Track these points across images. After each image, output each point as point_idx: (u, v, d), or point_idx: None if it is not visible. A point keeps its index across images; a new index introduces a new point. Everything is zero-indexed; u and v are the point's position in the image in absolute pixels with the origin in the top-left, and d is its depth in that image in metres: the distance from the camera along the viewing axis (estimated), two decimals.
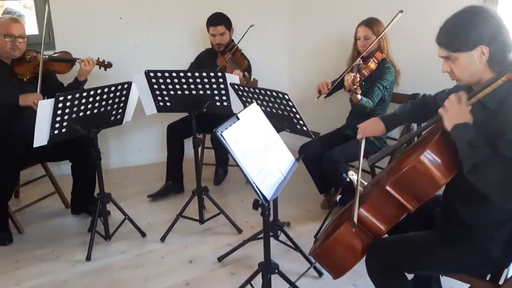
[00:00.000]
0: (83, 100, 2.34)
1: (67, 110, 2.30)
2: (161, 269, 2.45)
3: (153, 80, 2.58)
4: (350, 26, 2.96)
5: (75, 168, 2.92)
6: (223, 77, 2.50)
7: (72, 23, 3.48)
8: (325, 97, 2.87)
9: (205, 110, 2.62)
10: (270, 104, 2.33)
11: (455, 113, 1.46)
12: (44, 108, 2.23)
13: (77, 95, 2.30)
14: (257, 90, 2.35)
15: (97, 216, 2.62)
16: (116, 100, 2.53)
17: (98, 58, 2.92)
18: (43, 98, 2.59)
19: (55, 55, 2.94)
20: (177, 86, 2.58)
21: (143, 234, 2.76)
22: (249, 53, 3.34)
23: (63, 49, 3.02)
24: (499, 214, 1.51)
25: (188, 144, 3.02)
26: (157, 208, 3.15)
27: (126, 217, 2.75)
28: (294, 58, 4.07)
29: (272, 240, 2.16)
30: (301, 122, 2.30)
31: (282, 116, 2.33)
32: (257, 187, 1.61)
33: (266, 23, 3.27)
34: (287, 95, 2.19)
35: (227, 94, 2.58)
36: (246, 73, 2.87)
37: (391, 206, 1.60)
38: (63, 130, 2.36)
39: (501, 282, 1.58)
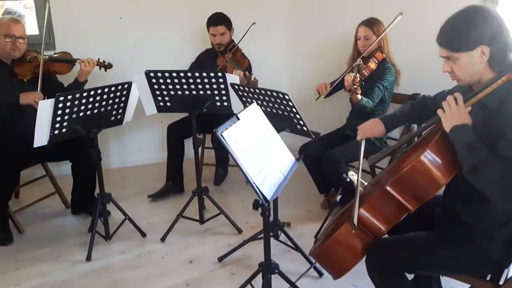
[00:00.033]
0: (83, 100, 2.34)
1: (67, 110, 2.30)
2: (161, 269, 2.45)
3: (153, 80, 2.58)
4: (350, 26, 2.96)
5: (75, 168, 2.92)
6: (223, 77, 2.50)
7: (72, 23, 3.48)
8: (325, 97, 2.87)
9: (205, 110, 2.62)
10: (270, 104, 2.33)
11: (453, 115, 1.46)
12: (44, 108, 2.23)
13: (77, 95, 2.30)
14: (257, 90, 2.35)
15: (97, 216, 2.61)
16: (116, 100, 2.53)
17: (99, 59, 2.92)
18: (44, 98, 2.60)
19: (55, 55, 2.94)
20: (177, 86, 2.58)
21: (143, 234, 2.76)
22: (249, 53, 3.34)
23: (63, 49, 3.02)
24: (499, 215, 1.51)
25: (188, 144, 3.02)
26: (157, 208, 3.15)
27: (126, 217, 2.75)
28: (294, 58, 4.07)
29: (272, 240, 2.16)
30: (301, 122, 2.30)
31: (282, 116, 2.33)
32: (257, 187, 1.61)
33: (266, 23, 3.28)
34: (287, 95, 2.19)
35: (227, 94, 2.58)
36: (246, 72, 2.88)
37: (391, 206, 1.60)
38: (63, 130, 2.36)
39: (501, 283, 1.58)
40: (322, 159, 2.76)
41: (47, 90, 2.69)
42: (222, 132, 1.57)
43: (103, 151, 2.63)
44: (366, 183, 1.87)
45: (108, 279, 2.37)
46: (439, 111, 1.51)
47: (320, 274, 2.33)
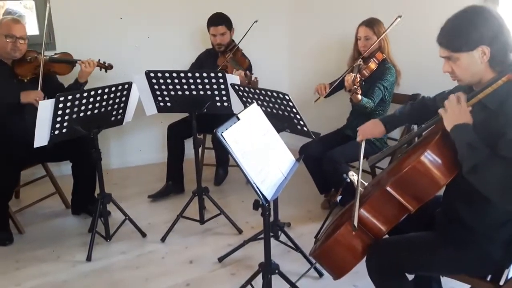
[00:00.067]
0: (84, 101, 2.34)
1: (67, 111, 2.30)
2: (161, 270, 2.44)
3: (154, 81, 2.58)
4: (350, 26, 2.96)
5: (75, 169, 2.92)
6: (224, 77, 2.50)
7: (72, 23, 3.48)
8: (325, 97, 2.87)
9: (205, 110, 2.62)
10: (271, 105, 2.33)
11: (454, 114, 1.46)
12: (45, 109, 2.23)
13: (78, 96, 2.30)
14: (257, 91, 2.35)
15: (98, 217, 2.61)
16: (117, 100, 2.53)
17: (99, 60, 2.92)
18: (44, 98, 2.60)
19: (55, 56, 2.94)
20: (178, 87, 2.58)
21: (144, 235, 2.76)
22: (249, 53, 3.34)
23: (63, 49, 3.02)
24: (500, 215, 1.51)
25: (189, 144, 3.02)
26: (157, 209, 3.15)
27: (127, 217, 2.75)
28: (294, 58, 4.07)
29: (272, 240, 2.16)
30: (301, 122, 2.30)
31: (282, 117, 2.33)
32: (257, 187, 1.61)
33: (266, 23, 3.27)
34: (287, 95, 2.19)
35: (227, 95, 2.58)
36: (247, 72, 2.88)
37: (392, 207, 1.60)
38: (64, 130, 2.36)
39: (501, 283, 1.58)
40: (323, 160, 2.76)
41: (47, 90, 2.69)
42: (222, 132, 1.57)
43: (103, 151, 2.64)
44: (366, 184, 1.87)
45: (108, 279, 2.37)
46: (441, 110, 1.51)
47: (320, 275, 2.33)
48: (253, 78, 2.80)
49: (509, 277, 1.61)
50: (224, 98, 2.60)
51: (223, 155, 3.52)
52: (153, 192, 3.29)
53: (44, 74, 2.70)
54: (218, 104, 2.63)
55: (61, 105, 2.25)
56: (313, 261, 1.91)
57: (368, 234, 1.64)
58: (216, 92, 2.58)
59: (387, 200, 1.59)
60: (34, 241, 2.74)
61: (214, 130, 1.56)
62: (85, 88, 2.84)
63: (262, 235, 2.20)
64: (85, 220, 2.96)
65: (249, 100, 2.43)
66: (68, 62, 2.90)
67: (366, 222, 1.63)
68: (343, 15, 3.52)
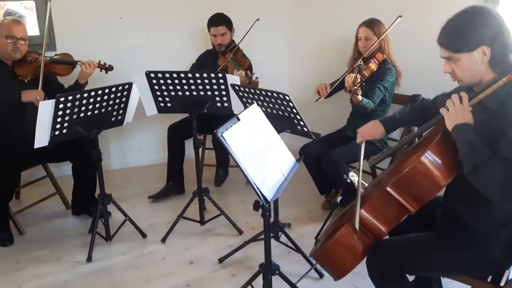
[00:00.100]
0: (84, 101, 2.34)
1: (68, 111, 2.30)
2: (161, 270, 2.44)
3: (154, 81, 2.58)
4: (350, 27, 2.96)
5: (76, 169, 2.92)
6: (224, 77, 2.50)
7: (72, 24, 3.48)
8: (326, 98, 2.87)
9: (205, 111, 2.62)
10: (271, 105, 2.33)
11: (456, 113, 1.45)
12: (45, 109, 2.23)
13: (78, 96, 2.30)
14: (257, 91, 2.35)
15: (98, 217, 2.61)
16: (117, 101, 2.53)
17: (99, 61, 2.92)
18: (44, 98, 2.60)
19: (56, 57, 2.94)
20: (178, 87, 2.58)
21: (144, 235, 2.76)
22: (249, 54, 3.34)
23: (64, 49, 3.03)
24: (500, 215, 1.51)
25: (189, 145, 3.02)
26: (157, 209, 3.15)
27: (127, 218, 2.75)
28: (295, 58, 4.07)
29: (272, 241, 2.16)
30: (301, 123, 2.29)
31: (282, 117, 2.33)
32: (257, 188, 1.61)
33: (266, 23, 3.27)
34: (287, 96, 2.19)
35: (227, 95, 2.58)
36: (248, 72, 2.88)
37: (392, 207, 1.60)
38: (64, 131, 2.36)
39: (502, 284, 1.58)
40: (323, 160, 2.76)
41: (47, 91, 2.69)
42: (222, 132, 1.57)
43: (103, 152, 2.63)
44: (366, 184, 1.87)
45: (108, 280, 2.37)
46: (443, 110, 1.50)
47: (321, 275, 2.33)
48: (254, 78, 2.81)
49: (509, 278, 1.60)
50: (225, 98, 2.60)
51: (224, 156, 3.52)
52: (154, 192, 3.29)
53: (45, 75, 2.71)
54: (219, 104, 2.63)
55: (61, 106, 2.25)
56: (314, 262, 1.91)
57: (368, 235, 1.64)
58: (216, 93, 2.58)
59: (388, 201, 1.59)
60: (34, 241, 2.74)
61: (215, 131, 1.56)
62: (85, 89, 2.84)
63: (262, 236, 2.20)
64: (85, 221, 2.96)
65: (249, 100, 2.43)
66: (68, 63, 2.90)
67: (366, 223, 1.63)
68: (343, 15, 3.52)
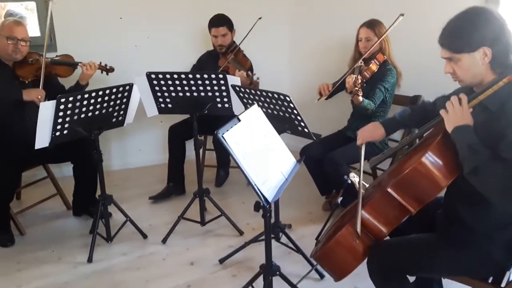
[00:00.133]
0: (85, 102, 2.35)
1: (68, 112, 2.30)
2: (162, 271, 2.44)
3: (155, 82, 2.58)
4: (351, 27, 2.96)
5: (76, 170, 2.92)
6: (224, 78, 2.50)
7: (72, 24, 3.49)
8: (326, 98, 2.86)
9: (206, 111, 2.62)
10: (272, 106, 2.33)
11: (455, 115, 1.45)
12: (46, 110, 2.23)
13: (79, 97, 2.30)
14: (258, 92, 2.35)
15: (99, 218, 2.61)
16: (118, 101, 2.53)
17: (100, 63, 2.92)
18: (45, 99, 2.60)
19: (57, 58, 2.94)
20: (179, 88, 2.58)
21: (145, 236, 2.76)
22: (250, 54, 3.35)
23: (64, 49, 3.04)
24: (501, 216, 1.50)
25: (190, 145, 3.02)
26: (158, 210, 3.15)
27: (128, 219, 2.75)
28: (295, 59, 4.07)
29: (273, 242, 2.17)
30: (302, 123, 2.29)
31: (283, 118, 2.33)
32: (258, 189, 1.61)
33: (266, 24, 3.27)
34: (288, 96, 2.19)
35: (228, 96, 2.58)
36: (249, 72, 2.88)
37: (393, 208, 1.60)
38: (65, 131, 2.36)
39: (503, 285, 1.57)
40: (324, 161, 2.76)
41: (48, 92, 2.70)
42: (223, 133, 1.57)
43: (104, 153, 2.63)
44: (367, 185, 1.87)
45: (109, 280, 2.37)
46: (442, 111, 1.50)
47: (322, 276, 2.33)
48: (255, 79, 2.81)
49: (510, 279, 1.60)
50: (225, 99, 2.60)
51: (224, 157, 3.52)
52: (154, 193, 3.29)
53: (45, 76, 2.71)
54: (219, 105, 2.63)
55: (62, 107, 2.25)
56: (314, 262, 1.91)
57: (369, 236, 1.64)
58: (217, 94, 2.58)
59: (388, 202, 1.59)
60: (35, 242, 2.74)
61: (215, 132, 1.56)
62: (86, 90, 2.85)
63: (263, 237, 2.20)
64: (86, 222, 2.96)
65: (250, 101, 2.43)
66: (69, 64, 2.91)
67: (367, 224, 1.63)
68: (343, 16, 3.52)
